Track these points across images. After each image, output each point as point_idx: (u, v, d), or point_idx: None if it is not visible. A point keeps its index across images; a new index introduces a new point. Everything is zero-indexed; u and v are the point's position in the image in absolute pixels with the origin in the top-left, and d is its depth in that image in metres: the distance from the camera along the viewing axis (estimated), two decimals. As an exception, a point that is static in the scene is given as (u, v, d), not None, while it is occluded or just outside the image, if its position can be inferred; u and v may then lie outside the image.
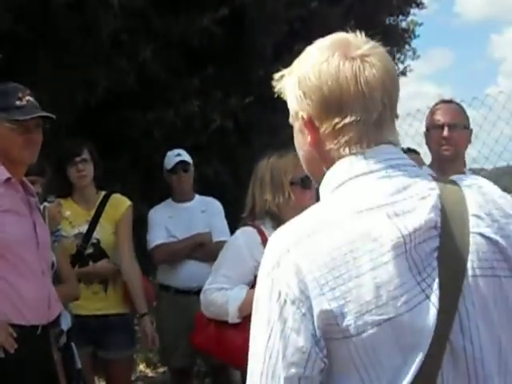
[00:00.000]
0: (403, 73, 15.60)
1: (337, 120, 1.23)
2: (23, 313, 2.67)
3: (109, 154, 4.75)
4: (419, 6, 13.66)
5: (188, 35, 5.40)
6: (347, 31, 1.32)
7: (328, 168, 1.28)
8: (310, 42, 1.33)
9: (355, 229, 1.14)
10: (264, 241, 2.76)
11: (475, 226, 1.20)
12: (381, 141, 1.25)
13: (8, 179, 2.70)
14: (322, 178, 1.30)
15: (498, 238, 1.20)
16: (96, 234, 3.91)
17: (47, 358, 2.86)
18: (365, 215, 1.16)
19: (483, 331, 1.16)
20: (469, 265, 1.17)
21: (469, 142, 3.34)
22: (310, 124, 1.27)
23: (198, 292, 3.16)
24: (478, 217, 1.21)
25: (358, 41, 1.28)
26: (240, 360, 2.88)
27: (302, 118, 1.28)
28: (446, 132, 3.18)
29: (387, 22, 12.61)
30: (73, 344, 3.18)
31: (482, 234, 1.19)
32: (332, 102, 1.24)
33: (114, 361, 3.97)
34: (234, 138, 5.86)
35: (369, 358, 1.12)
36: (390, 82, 1.26)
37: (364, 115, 1.23)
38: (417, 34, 14.59)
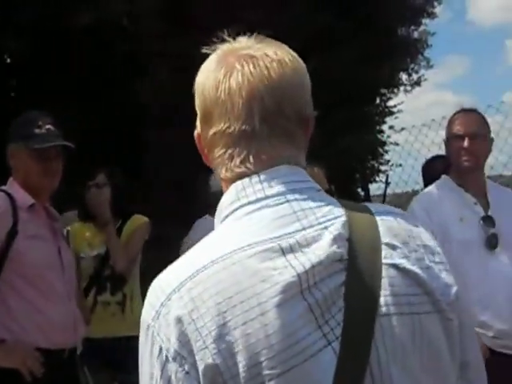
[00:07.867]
0: (417, 83, 15.62)
1: (214, 130, 1.10)
2: (50, 337, 2.68)
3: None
4: (430, 15, 13.70)
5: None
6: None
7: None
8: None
9: (243, 268, 0.97)
10: None
11: (389, 256, 1.03)
12: (274, 157, 1.08)
13: (32, 205, 2.73)
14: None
15: (416, 269, 1.04)
16: None
17: (74, 382, 2.90)
18: (255, 251, 0.98)
19: (398, 381, 0.98)
20: (381, 301, 0.99)
21: (490, 151, 3.29)
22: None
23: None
24: (393, 246, 1.05)
25: (244, 44, 1.11)
26: None
27: None
28: (466, 143, 3.11)
29: (399, 32, 12.63)
30: (85, 368, 3.23)
31: (396, 266, 1.03)
32: (203, 108, 1.12)
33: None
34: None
35: None
36: (270, 89, 1.06)
37: (235, 125, 1.07)
38: (430, 43, 14.65)
